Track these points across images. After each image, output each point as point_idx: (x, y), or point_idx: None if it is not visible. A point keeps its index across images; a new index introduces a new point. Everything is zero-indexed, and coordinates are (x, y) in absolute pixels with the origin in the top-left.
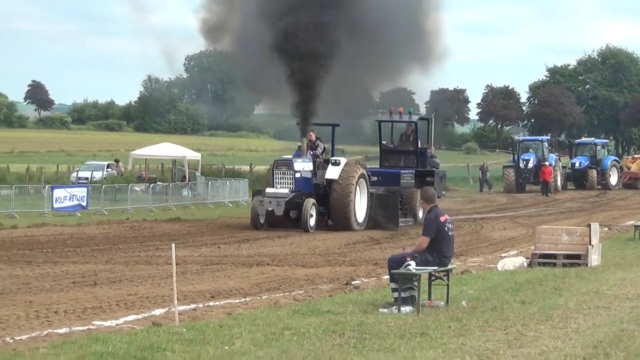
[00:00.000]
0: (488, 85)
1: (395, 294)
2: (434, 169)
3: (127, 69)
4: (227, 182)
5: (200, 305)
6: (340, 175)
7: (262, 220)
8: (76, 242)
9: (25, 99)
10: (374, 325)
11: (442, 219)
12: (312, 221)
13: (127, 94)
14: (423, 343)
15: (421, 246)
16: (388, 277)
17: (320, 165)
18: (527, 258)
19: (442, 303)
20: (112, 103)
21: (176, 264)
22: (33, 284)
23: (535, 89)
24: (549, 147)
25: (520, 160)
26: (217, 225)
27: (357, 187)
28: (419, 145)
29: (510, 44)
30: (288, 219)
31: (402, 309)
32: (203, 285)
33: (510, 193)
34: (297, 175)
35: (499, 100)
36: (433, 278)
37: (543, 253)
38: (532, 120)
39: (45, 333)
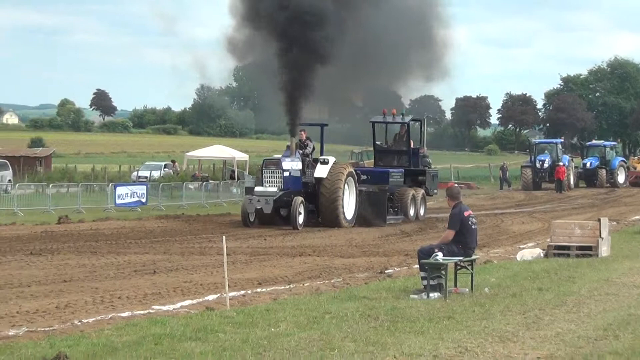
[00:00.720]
0: (507, 93)
1: (425, 282)
2: (426, 168)
3: (181, 78)
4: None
5: (249, 292)
6: (328, 174)
7: (252, 219)
8: (137, 235)
9: (90, 105)
10: (405, 309)
11: (466, 214)
12: (300, 219)
13: (182, 101)
14: (450, 325)
15: (447, 238)
16: (418, 266)
17: (310, 164)
18: (543, 249)
19: (467, 290)
20: (168, 109)
21: (227, 255)
22: (98, 272)
23: (550, 96)
24: (563, 149)
25: (537, 161)
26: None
27: (346, 185)
28: (412, 146)
29: (528, 56)
30: (279, 216)
31: (431, 295)
32: (251, 273)
33: (528, 190)
34: (286, 174)
35: (517, 107)
36: (458, 267)
37: (558, 245)
38: (547, 124)
39: (109, 316)
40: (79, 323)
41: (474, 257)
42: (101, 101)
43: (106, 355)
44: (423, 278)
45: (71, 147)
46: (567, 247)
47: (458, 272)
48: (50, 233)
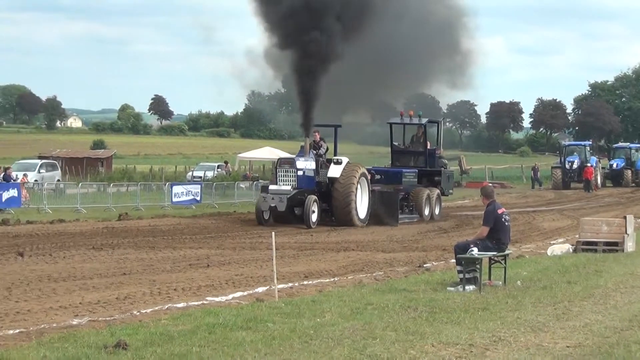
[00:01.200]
0: (539, 98)
1: (461, 275)
2: (442, 168)
3: (222, 85)
4: None
5: (296, 284)
6: (342, 174)
7: (266, 217)
8: (192, 231)
9: (149, 110)
10: (442, 301)
11: (500, 211)
12: (314, 217)
13: (234, 105)
14: (484, 316)
15: (482, 234)
16: (454, 261)
17: (323, 164)
18: (572, 245)
19: (500, 283)
20: (222, 113)
21: (276, 249)
22: (156, 265)
23: (579, 101)
24: (591, 151)
25: (566, 162)
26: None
27: (359, 185)
28: (429, 147)
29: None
30: (293, 215)
31: (467, 287)
32: (298, 267)
33: (558, 190)
34: (300, 173)
35: (548, 111)
36: (492, 262)
37: (586, 241)
38: (576, 127)
39: (166, 307)
40: (138, 313)
41: (507, 252)
42: (159, 106)
43: (163, 343)
44: (459, 271)
45: (131, 149)
46: (595, 243)
47: (492, 266)
48: (111, 229)
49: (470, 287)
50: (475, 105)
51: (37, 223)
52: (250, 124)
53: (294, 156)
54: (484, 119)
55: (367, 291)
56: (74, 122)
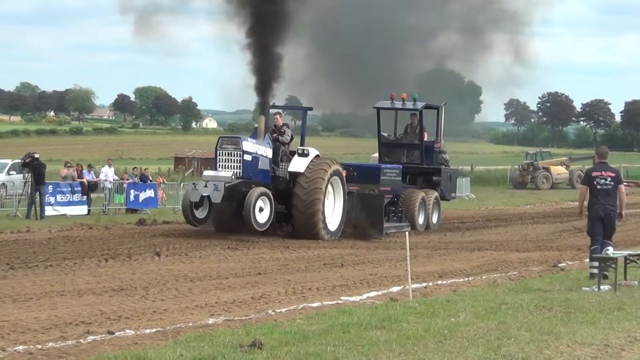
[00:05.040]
0: None
1: (595, 271)
2: (442, 166)
3: None
4: None
5: (430, 284)
6: (307, 169)
7: (198, 215)
8: None
9: (283, 111)
10: (577, 301)
11: (594, 174)
12: (261, 217)
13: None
14: (620, 316)
15: (581, 193)
16: (588, 260)
17: (285, 155)
18: None
19: (636, 282)
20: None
21: (409, 249)
22: (290, 265)
23: None
24: None
25: None
26: (444, 217)
27: (330, 186)
28: (425, 139)
29: None
30: (240, 218)
31: (602, 287)
32: (432, 266)
33: None
34: (247, 157)
35: None
36: (628, 261)
37: None
38: None
39: (301, 306)
40: (273, 312)
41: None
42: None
43: (298, 342)
44: (592, 273)
45: None
46: None
47: (627, 265)
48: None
49: (605, 287)
50: (609, 104)
51: (173, 223)
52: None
53: (239, 135)
54: (618, 118)
55: (501, 291)
56: (209, 123)
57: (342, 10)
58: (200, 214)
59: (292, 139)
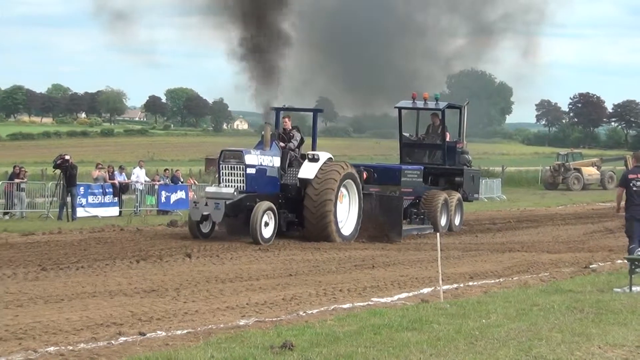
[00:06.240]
0: None
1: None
2: (465, 166)
3: None
4: (483, 181)
5: (461, 285)
6: (317, 175)
7: (204, 230)
8: None
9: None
10: (609, 302)
11: (631, 176)
12: (266, 231)
13: None
14: None
15: (618, 195)
16: (621, 261)
17: (296, 160)
18: None
19: None
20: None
21: (440, 250)
22: (321, 266)
23: None
24: None
25: None
26: (475, 218)
27: (344, 190)
28: (448, 139)
29: None
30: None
31: (634, 288)
32: (463, 268)
33: None
34: (250, 170)
35: None
36: None
37: None
38: None
39: (332, 308)
40: (304, 314)
41: None
42: (324, 107)
43: (329, 343)
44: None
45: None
46: None
47: None
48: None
49: (637, 288)
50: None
51: None
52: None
53: (241, 149)
54: None
55: (532, 292)
56: (240, 125)
57: (344, 11)
58: (205, 228)
59: (302, 142)
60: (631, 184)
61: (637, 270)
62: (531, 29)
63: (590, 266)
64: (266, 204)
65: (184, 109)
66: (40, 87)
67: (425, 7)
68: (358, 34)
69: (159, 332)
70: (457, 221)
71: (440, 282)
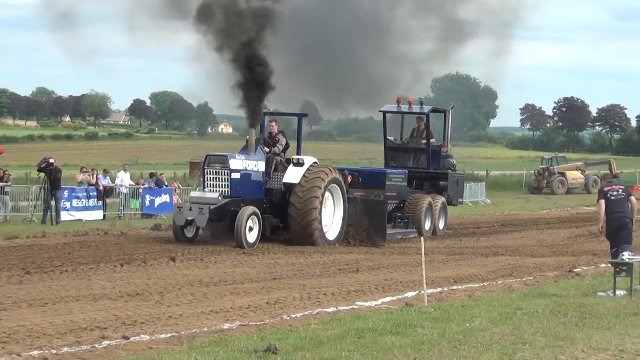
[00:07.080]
0: None
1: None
2: (449, 170)
3: None
4: (467, 185)
5: (445, 289)
6: (302, 179)
7: (188, 234)
8: None
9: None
10: (592, 306)
11: (606, 189)
12: (250, 236)
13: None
14: (635, 322)
15: (600, 208)
16: (604, 265)
17: (280, 165)
18: None
19: None
20: (370, 118)
21: (425, 254)
22: (305, 270)
23: None
24: None
25: None
26: (459, 222)
27: (328, 194)
28: (433, 143)
29: None
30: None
31: (617, 292)
32: (447, 272)
33: None
34: (235, 175)
35: None
36: None
37: None
38: None
39: (316, 311)
40: (288, 317)
41: None
42: (308, 112)
43: (313, 347)
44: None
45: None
46: None
47: None
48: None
49: (620, 292)
50: (625, 108)
51: None
52: None
53: (226, 153)
54: (634, 122)
55: (516, 296)
56: (225, 128)
57: (319, 13)
58: (189, 232)
59: (287, 146)
60: (609, 195)
61: (621, 274)
62: (505, 31)
63: (574, 270)
64: (250, 208)
65: (168, 113)
66: (24, 90)
67: (393, 7)
68: (327, 38)
69: (142, 335)
70: (441, 225)
71: (425, 286)
